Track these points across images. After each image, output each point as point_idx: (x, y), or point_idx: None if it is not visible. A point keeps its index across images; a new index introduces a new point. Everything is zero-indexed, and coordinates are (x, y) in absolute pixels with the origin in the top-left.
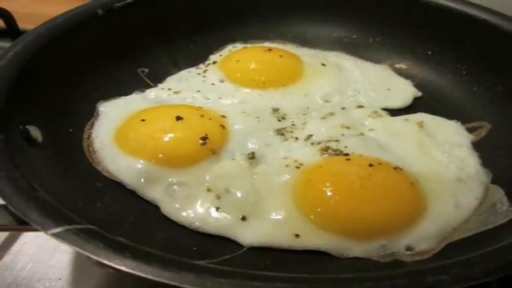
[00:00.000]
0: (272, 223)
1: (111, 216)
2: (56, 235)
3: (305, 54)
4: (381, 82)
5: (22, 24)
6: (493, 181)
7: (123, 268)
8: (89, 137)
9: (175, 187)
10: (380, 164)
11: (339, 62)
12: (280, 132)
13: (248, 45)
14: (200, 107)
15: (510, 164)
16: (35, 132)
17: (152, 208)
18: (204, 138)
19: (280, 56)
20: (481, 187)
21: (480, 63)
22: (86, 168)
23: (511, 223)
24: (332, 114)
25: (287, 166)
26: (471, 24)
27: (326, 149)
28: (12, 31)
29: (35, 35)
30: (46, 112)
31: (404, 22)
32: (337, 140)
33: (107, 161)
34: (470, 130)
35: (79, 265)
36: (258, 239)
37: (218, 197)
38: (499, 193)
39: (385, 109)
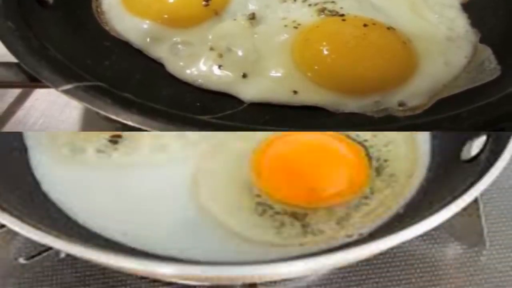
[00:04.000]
0: (271, 80)
1: (119, 73)
2: (66, 92)
3: None
4: None
5: None
6: (481, 41)
7: (129, 122)
8: None
9: (179, 46)
10: (374, 24)
11: None
12: None
13: None
14: None
15: (498, 24)
16: None
17: (157, 66)
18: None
19: None
20: (470, 46)
21: None
22: (94, 28)
23: (498, 80)
24: None
25: (285, 26)
26: None
27: (322, 10)
28: None
29: None
30: None
31: None
32: (333, 2)
33: (114, 22)
34: None
35: (88, 120)
36: (258, 95)
37: (220, 55)
38: (487, 52)
39: None
